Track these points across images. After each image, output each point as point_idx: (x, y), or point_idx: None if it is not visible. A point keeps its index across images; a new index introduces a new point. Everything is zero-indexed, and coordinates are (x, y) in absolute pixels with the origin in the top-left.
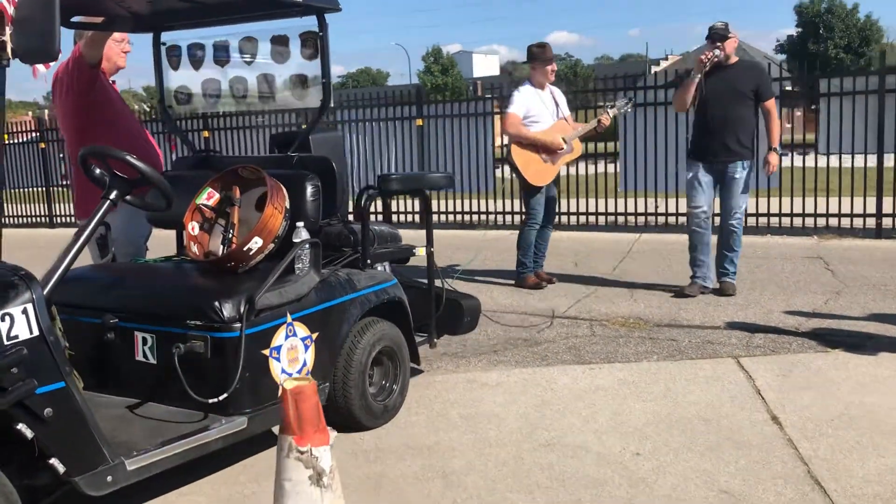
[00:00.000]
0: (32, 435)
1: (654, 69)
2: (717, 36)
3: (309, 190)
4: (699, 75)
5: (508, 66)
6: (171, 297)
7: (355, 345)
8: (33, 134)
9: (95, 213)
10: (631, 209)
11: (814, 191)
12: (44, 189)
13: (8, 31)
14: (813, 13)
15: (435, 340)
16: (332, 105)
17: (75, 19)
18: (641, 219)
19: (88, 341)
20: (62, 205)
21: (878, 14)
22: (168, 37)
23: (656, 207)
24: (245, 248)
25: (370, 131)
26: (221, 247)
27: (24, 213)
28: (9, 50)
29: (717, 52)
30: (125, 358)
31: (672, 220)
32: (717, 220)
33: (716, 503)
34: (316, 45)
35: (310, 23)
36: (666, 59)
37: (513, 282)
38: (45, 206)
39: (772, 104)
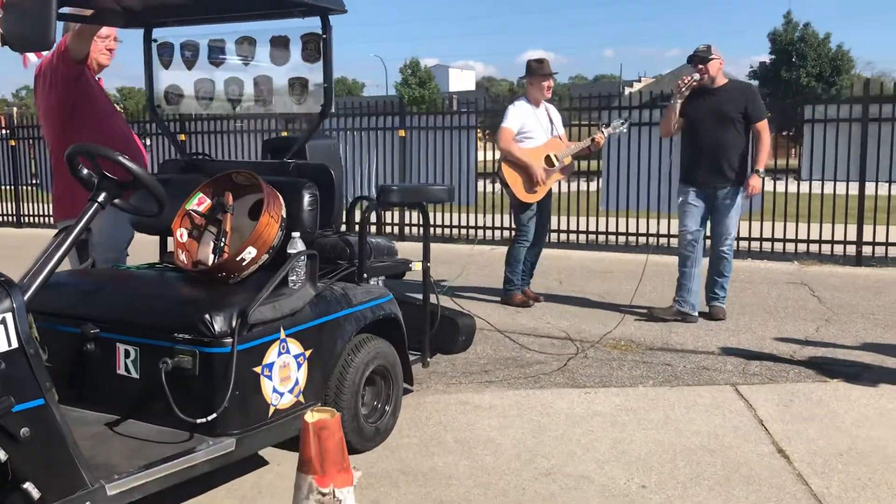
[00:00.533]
0: (6, 457)
1: (628, 90)
2: (696, 58)
3: (306, 199)
4: (680, 100)
5: (484, 81)
6: (157, 307)
7: (349, 363)
8: (3, 131)
9: (82, 216)
10: (612, 228)
11: (796, 216)
12: (12, 188)
13: None
14: (786, 41)
15: (428, 360)
16: (332, 111)
17: (63, 10)
18: (623, 238)
19: (65, 352)
20: (31, 204)
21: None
22: (159, 34)
23: (637, 227)
24: (238, 258)
25: (351, 141)
26: (212, 256)
27: None
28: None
29: (696, 75)
30: (105, 371)
31: (654, 240)
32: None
33: None
34: (318, 47)
35: (312, 24)
36: (639, 80)
37: (499, 299)
38: (14, 205)
39: (763, 126)
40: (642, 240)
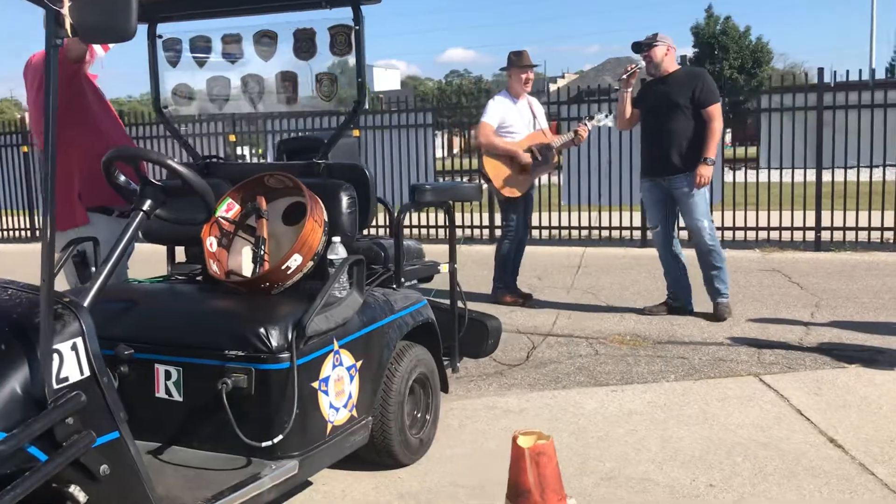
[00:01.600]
0: (86, 499)
1: (553, 86)
2: (640, 46)
3: (345, 201)
4: (626, 90)
5: (409, 80)
6: (201, 323)
7: (393, 373)
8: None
9: (128, 227)
10: (575, 223)
11: (756, 205)
12: (25, 199)
13: (66, 2)
14: (709, 34)
15: (458, 365)
16: (366, 106)
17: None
18: (585, 232)
19: None
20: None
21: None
22: (164, 29)
23: (600, 221)
24: (283, 267)
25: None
26: (252, 265)
27: None
28: (67, 25)
29: (640, 63)
30: (142, 395)
31: (615, 233)
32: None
33: None
34: (349, 39)
35: (339, 15)
36: (563, 76)
37: (486, 298)
38: (27, 218)
39: (712, 111)
40: (605, 233)
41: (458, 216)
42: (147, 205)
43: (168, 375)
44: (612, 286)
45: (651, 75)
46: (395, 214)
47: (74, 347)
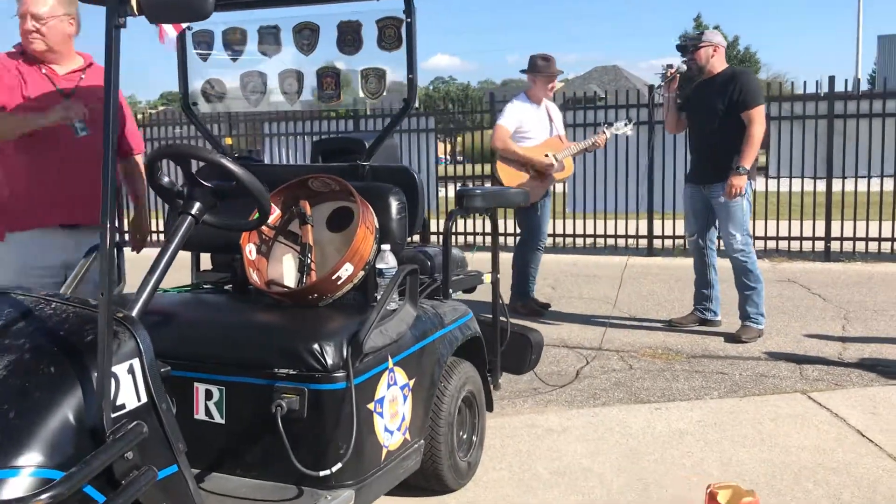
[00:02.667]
0: None
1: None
2: (684, 48)
3: (395, 206)
4: (666, 93)
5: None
6: (246, 338)
7: (443, 392)
8: None
9: (176, 232)
10: (580, 231)
11: (764, 214)
12: None
13: None
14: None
15: (500, 381)
16: (416, 104)
17: None
18: (590, 240)
19: None
20: None
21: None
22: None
23: (605, 229)
24: (334, 277)
25: (298, 147)
26: (298, 274)
27: None
28: (133, 3)
29: (681, 66)
30: (179, 417)
31: (621, 242)
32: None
33: None
34: (398, 33)
35: (386, 6)
36: None
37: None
38: None
39: (753, 114)
40: (611, 241)
41: (463, 223)
42: (196, 208)
43: (209, 395)
44: (629, 296)
45: (696, 76)
46: (445, 221)
47: (131, 370)
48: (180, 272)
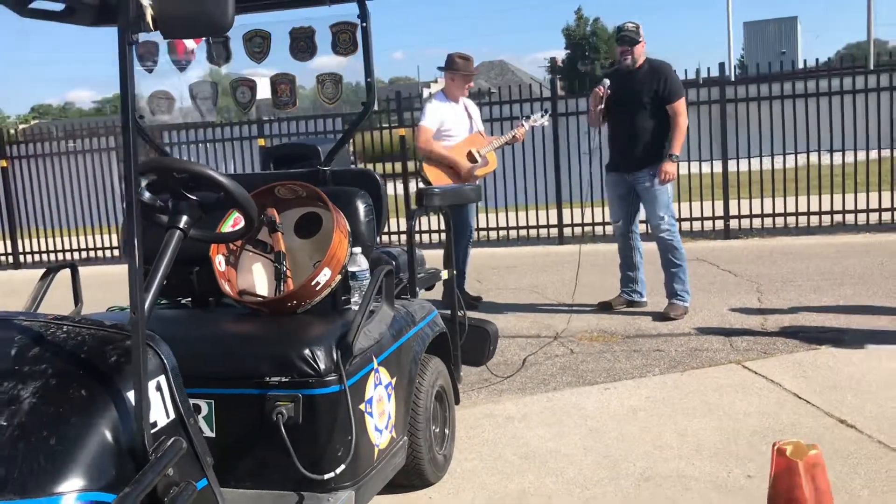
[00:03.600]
0: None
1: (427, 90)
2: (626, 40)
3: (362, 209)
4: (596, 109)
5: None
6: (233, 349)
7: (419, 388)
8: None
9: (166, 248)
10: (493, 224)
11: None
12: (6, 219)
13: None
14: (579, 36)
15: (461, 374)
16: (375, 107)
17: (33, 5)
18: (503, 233)
19: None
20: (31, 240)
21: None
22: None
23: (517, 221)
24: (313, 283)
25: (203, 153)
26: (272, 283)
27: None
28: (149, 18)
29: (608, 86)
30: None
31: (532, 232)
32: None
33: None
34: (353, 37)
35: (339, 12)
36: (436, 81)
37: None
38: (9, 242)
39: (677, 106)
40: (522, 232)
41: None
42: (183, 222)
43: (197, 410)
44: (553, 283)
45: (620, 68)
46: (408, 220)
47: (159, 387)
48: (111, 290)
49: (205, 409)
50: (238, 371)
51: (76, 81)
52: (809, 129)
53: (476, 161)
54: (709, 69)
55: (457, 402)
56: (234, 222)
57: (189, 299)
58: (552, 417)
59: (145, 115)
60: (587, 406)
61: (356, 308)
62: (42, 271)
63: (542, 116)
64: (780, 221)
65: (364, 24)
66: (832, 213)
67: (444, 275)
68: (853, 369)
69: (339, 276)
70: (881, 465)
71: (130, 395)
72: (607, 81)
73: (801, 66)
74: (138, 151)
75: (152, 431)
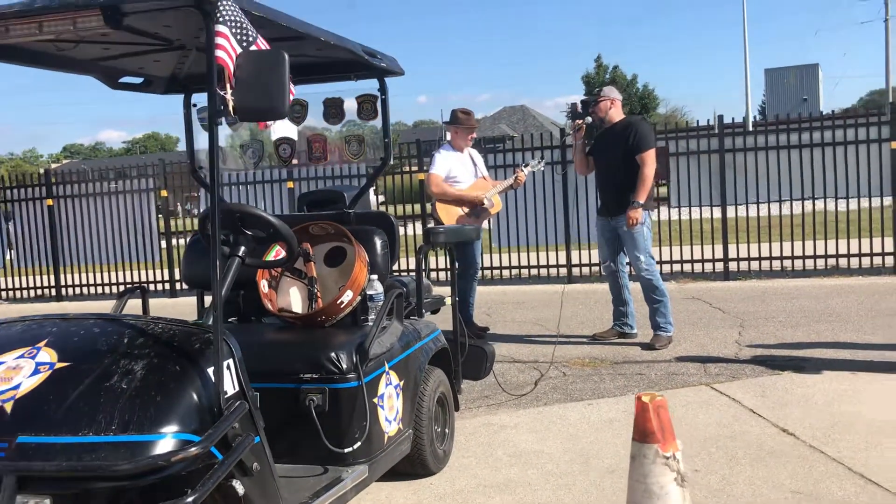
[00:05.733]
0: (244, 491)
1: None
2: (584, 105)
3: (379, 244)
4: (577, 142)
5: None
6: (276, 353)
7: (423, 392)
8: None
9: (228, 272)
10: (506, 263)
11: (668, 240)
12: (50, 254)
13: (229, 88)
14: (599, 83)
15: (461, 386)
16: (391, 162)
17: (122, 80)
18: (515, 272)
19: None
20: (72, 275)
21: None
22: (199, 97)
23: (528, 260)
24: (338, 302)
25: (240, 194)
26: (305, 302)
27: None
28: (230, 108)
29: (585, 119)
30: None
31: (543, 272)
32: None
33: (796, 502)
34: (374, 107)
35: (366, 86)
36: None
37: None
38: (53, 276)
39: (643, 158)
40: (534, 272)
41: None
42: (242, 251)
43: None
44: (555, 318)
45: (600, 126)
46: (417, 254)
47: (229, 367)
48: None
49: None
50: (279, 370)
51: (107, 122)
52: (804, 177)
53: (483, 204)
54: (708, 120)
55: (457, 408)
56: (276, 253)
57: (235, 318)
58: (540, 426)
59: (204, 166)
60: (571, 417)
61: (372, 323)
62: (84, 303)
63: (539, 163)
64: (776, 265)
65: (383, 97)
66: (826, 256)
67: (449, 301)
68: (805, 390)
69: (359, 298)
70: (806, 463)
71: (210, 370)
72: (588, 118)
73: (822, 111)
74: (218, 195)
75: (224, 396)
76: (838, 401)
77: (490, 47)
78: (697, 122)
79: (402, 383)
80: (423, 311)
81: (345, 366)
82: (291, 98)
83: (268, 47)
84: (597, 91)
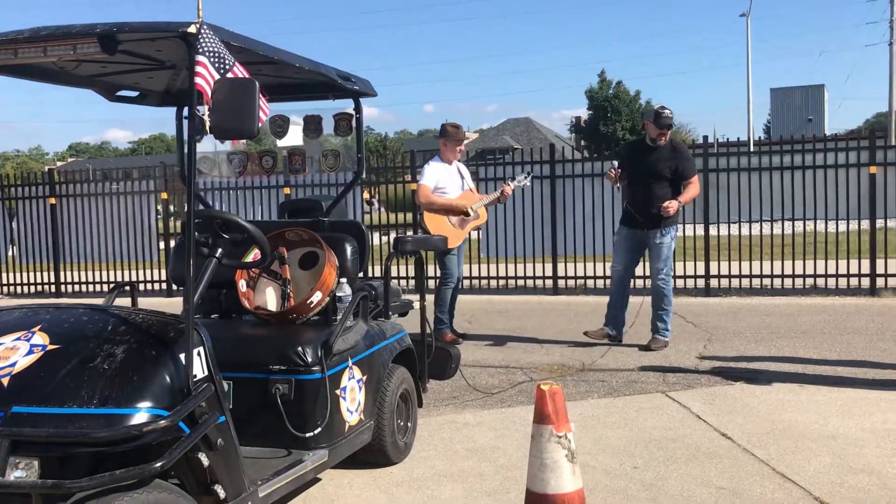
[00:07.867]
0: (208, 463)
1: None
2: (667, 125)
3: (349, 250)
4: (616, 184)
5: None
6: (248, 346)
7: (386, 388)
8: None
9: (205, 271)
10: (493, 273)
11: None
12: (52, 252)
13: (207, 110)
14: (602, 98)
15: (427, 385)
16: (364, 176)
17: (119, 93)
18: (503, 282)
19: None
20: (72, 272)
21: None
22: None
23: (516, 271)
24: (308, 302)
25: (239, 199)
26: (279, 301)
27: None
28: (207, 127)
29: (618, 169)
30: None
31: (530, 283)
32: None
33: (720, 498)
34: (350, 124)
35: (340, 105)
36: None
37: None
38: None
39: (693, 180)
40: (521, 282)
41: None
42: (219, 253)
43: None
44: (534, 327)
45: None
46: (386, 261)
47: (199, 354)
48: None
49: (226, 388)
50: (251, 361)
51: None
52: (784, 198)
53: (469, 215)
54: (693, 140)
55: (420, 405)
56: (254, 256)
57: (217, 315)
58: (500, 425)
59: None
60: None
61: (348, 323)
62: (81, 299)
63: (525, 178)
64: (756, 282)
65: (358, 115)
66: (804, 276)
67: (416, 305)
68: (752, 399)
69: (328, 299)
70: (735, 463)
71: (182, 356)
72: (615, 163)
73: (827, 132)
74: (194, 202)
75: (193, 379)
76: (780, 410)
77: (500, 59)
78: (683, 142)
79: (364, 378)
80: (390, 313)
81: (310, 359)
82: (264, 119)
83: (245, 73)
84: (670, 113)
